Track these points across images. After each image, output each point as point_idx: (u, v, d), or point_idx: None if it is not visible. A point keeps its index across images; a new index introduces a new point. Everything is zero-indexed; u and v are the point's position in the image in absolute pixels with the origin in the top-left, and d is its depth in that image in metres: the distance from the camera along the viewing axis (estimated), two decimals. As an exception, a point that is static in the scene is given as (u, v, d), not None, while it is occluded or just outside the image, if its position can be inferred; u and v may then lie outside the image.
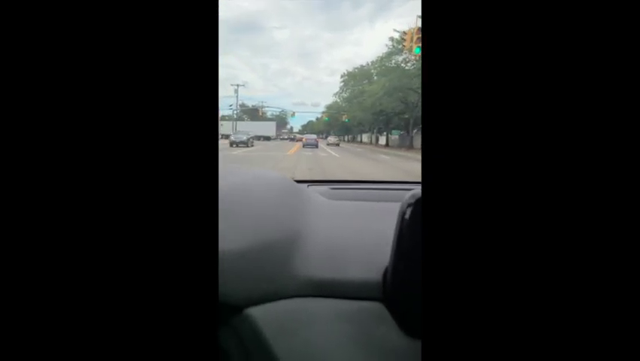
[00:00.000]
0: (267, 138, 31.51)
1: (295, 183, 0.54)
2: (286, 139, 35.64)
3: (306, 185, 0.69)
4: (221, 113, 36.44)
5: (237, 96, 33.76)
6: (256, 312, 0.30)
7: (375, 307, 0.30)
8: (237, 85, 33.94)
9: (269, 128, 35.87)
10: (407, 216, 0.29)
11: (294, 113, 41.44)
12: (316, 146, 18.21)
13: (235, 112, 35.68)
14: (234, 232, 0.33)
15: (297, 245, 0.35)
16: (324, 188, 0.71)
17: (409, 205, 0.29)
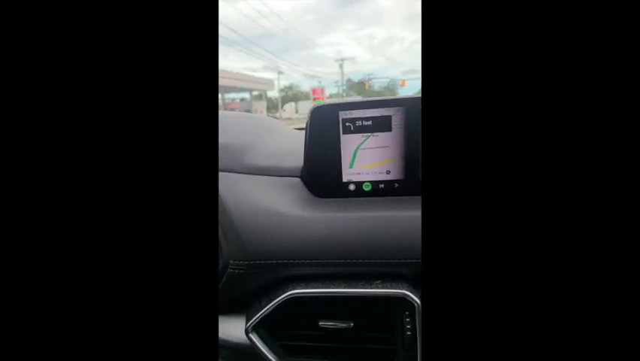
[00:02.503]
0: None
1: (278, 121, 0.79)
2: None
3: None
4: (328, 91, 37.48)
5: (342, 72, 33.80)
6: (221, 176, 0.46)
7: (296, 180, 0.50)
8: (342, 60, 33.94)
9: None
10: (307, 122, 0.48)
11: (404, 82, 39.08)
12: None
13: (341, 88, 35.94)
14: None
15: (253, 148, 0.53)
16: None
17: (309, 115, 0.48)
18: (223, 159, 0.48)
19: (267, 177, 0.49)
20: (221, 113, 0.59)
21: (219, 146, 0.49)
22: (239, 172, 0.48)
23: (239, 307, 0.48)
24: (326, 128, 0.47)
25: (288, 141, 0.62)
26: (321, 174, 0.48)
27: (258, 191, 0.47)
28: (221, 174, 0.47)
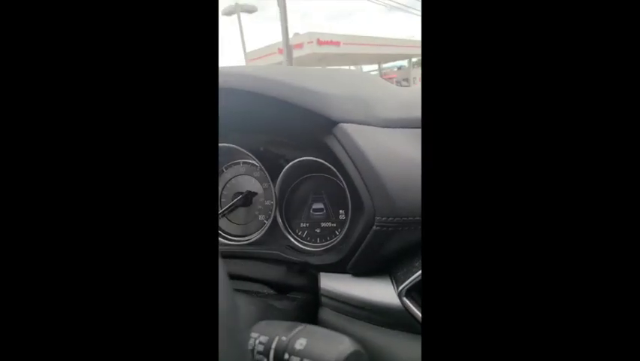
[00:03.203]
0: None
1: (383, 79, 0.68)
2: None
3: None
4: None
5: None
6: (349, 127, 0.43)
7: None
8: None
9: None
10: None
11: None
12: None
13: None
14: (340, 87, 0.48)
15: (379, 100, 0.48)
16: None
17: None
18: (352, 111, 0.44)
19: (401, 129, 0.44)
20: (326, 69, 0.55)
21: (344, 98, 0.45)
22: (374, 125, 0.44)
23: (383, 268, 0.45)
24: None
25: (410, 93, 0.55)
26: None
27: (398, 143, 0.42)
28: (356, 127, 0.43)
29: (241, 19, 12.56)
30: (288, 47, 9.00)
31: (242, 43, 12.93)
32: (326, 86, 0.46)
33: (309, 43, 13.94)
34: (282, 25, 8.88)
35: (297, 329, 0.32)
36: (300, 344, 0.31)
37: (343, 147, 0.43)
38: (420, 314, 0.39)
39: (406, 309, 0.40)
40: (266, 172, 0.56)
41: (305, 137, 0.49)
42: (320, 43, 14.18)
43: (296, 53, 12.09)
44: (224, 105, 0.48)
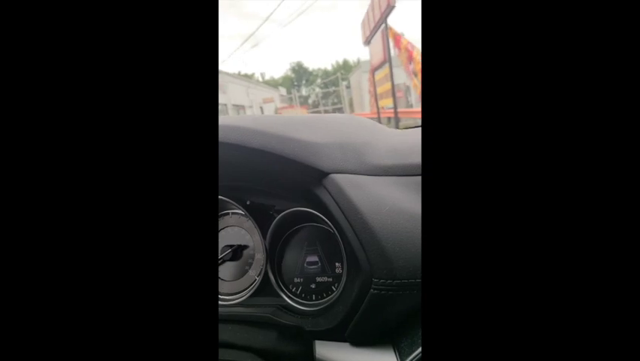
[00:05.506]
0: None
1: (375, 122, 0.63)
2: None
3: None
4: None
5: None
6: (340, 177, 0.41)
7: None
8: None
9: None
10: None
11: None
12: None
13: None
14: (330, 135, 0.45)
15: (371, 146, 0.45)
16: None
17: None
18: (342, 160, 0.42)
19: (395, 177, 0.41)
20: (314, 115, 0.54)
21: (333, 146, 0.43)
22: (366, 174, 0.41)
23: (385, 336, 0.40)
24: None
25: (403, 135, 0.52)
26: None
27: (393, 193, 0.39)
28: (347, 177, 0.40)
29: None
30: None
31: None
32: (314, 134, 0.43)
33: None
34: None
35: None
36: None
37: (334, 200, 0.39)
38: None
39: None
40: (255, 224, 0.52)
41: (295, 188, 0.46)
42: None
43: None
44: None
